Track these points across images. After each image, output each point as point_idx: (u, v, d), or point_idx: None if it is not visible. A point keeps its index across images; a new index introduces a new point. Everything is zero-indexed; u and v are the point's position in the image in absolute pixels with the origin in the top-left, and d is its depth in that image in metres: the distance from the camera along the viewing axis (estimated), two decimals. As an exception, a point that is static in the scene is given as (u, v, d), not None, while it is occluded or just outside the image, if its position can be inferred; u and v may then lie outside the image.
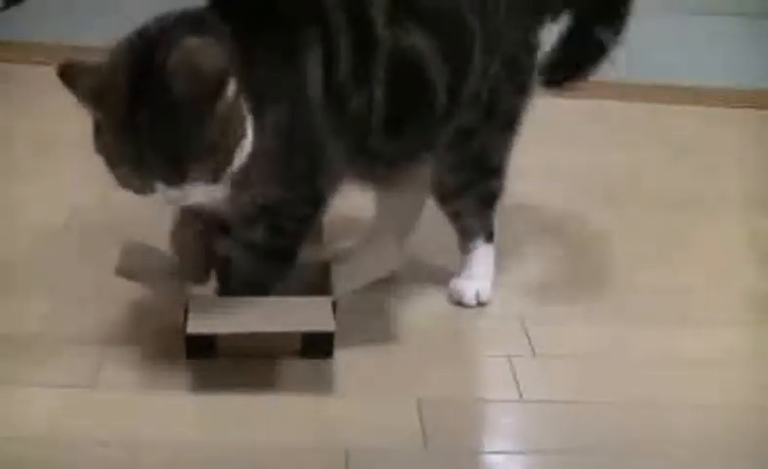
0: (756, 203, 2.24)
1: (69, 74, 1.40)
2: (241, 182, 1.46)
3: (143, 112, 1.38)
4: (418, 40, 1.56)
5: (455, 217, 1.74)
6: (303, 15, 1.51)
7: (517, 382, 1.55)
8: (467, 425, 1.47)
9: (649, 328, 1.72)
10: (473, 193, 1.72)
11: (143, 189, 1.43)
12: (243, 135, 1.42)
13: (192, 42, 1.39)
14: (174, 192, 1.42)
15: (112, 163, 1.43)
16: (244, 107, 1.42)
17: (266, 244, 1.55)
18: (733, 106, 2.78)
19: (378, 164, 1.62)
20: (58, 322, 1.60)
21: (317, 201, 1.58)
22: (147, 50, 1.41)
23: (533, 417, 1.51)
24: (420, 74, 1.57)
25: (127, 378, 1.49)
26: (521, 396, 1.53)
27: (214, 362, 1.52)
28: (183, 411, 1.44)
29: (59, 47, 2.56)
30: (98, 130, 1.43)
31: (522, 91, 1.71)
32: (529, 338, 1.66)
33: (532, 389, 1.54)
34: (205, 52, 1.38)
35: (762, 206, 2.22)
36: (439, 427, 1.43)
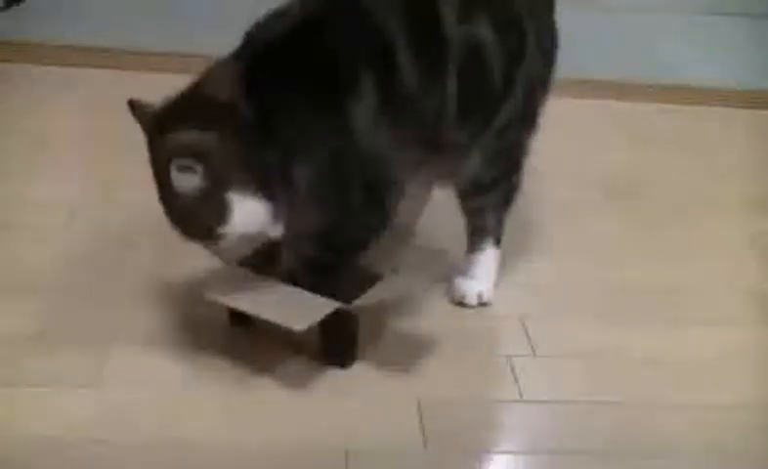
0: (757, 203, 2.24)
1: (137, 111, 1.48)
2: (292, 223, 1.49)
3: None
4: (482, 30, 1.56)
5: (475, 214, 1.74)
6: (349, 48, 1.49)
7: (517, 382, 1.56)
8: (467, 425, 1.47)
9: (649, 328, 1.72)
10: (500, 188, 1.73)
11: None
12: (222, 220, 1.44)
13: (177, 138, 1.43)
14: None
15: None
16: (227, 197, 1.43)
17: (317, 259, 1.56)
18: (733, 107, 2.78)
19: (441, 157, 1.62)
20: (58, 322, 1.60)
21: (375, 227, 1.58)
22: (164, 118, 1.45)
23: (533, 417, 1.51)
24: (483, 61, 1.58)
25: (129, 378, 1.49)
26: (521, 396, 1.53)
27: (212, 362, 1.52)
28: (183, 411, 1.44)
29: (58, 47, 2.57)
30: None
31: (547, 90, 1.73)
32: (529, 338, 1.66)
33: (532, 389, 1.54)
34: (179, 150, 1.42)
35: (762, 206, 2.22)
36: (439, 427, 1.44)
